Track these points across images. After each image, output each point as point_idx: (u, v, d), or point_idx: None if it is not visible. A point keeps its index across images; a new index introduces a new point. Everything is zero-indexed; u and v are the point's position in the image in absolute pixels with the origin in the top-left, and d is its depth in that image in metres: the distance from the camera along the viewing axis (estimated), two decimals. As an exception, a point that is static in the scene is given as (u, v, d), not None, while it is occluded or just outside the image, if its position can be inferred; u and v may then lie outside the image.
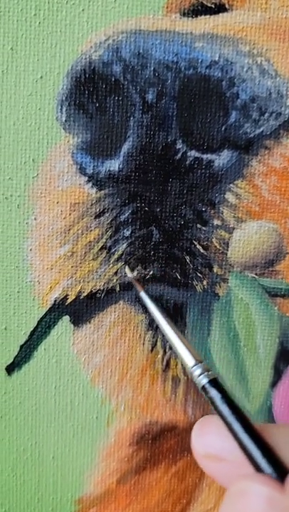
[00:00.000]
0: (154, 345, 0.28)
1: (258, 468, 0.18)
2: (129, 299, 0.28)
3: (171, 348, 0.28)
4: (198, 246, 0.27)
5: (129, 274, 0.27)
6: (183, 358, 0.22)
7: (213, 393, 0.20)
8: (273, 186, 0.26)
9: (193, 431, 0.20)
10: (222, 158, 0.26)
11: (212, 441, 0.19)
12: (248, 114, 0.25)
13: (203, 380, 0.21)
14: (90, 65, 0.25)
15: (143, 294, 0.26)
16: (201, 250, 0.27)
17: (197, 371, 0.21)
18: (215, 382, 0.21)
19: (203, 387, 0.21)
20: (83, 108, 0.25)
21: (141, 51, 0.25)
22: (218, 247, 0.27)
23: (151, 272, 0.27)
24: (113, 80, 0.25)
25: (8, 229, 0.27)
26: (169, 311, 0.28)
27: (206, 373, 0.21)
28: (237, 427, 0.19)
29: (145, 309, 0.28)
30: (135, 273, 0.27)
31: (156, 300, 0.26)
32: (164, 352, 0.28)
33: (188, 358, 0.22)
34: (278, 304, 0.27)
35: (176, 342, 0.23)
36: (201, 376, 0.21)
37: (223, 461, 0.19)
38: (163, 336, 0.28)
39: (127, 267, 0.27)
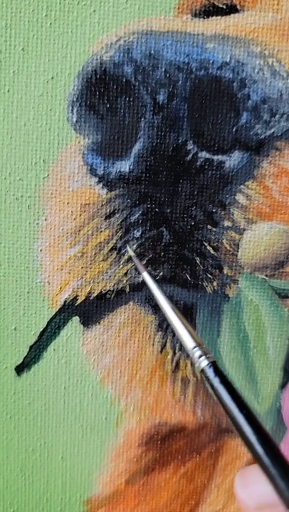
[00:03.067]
0: (163, 346, 0.28)
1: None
2: (139, 300, 0.28)
3: (181, 349, 0.28)
4: (208, 247, 0.27)
5: (131, 253, 0.26)
6: (183, 339, 0.22)
7: (212, 376, 0.21)
8: (284, 187, 0.26)
9: (235, 486, 0.19)
10: (233, 160, 0.26)
11: (261, 490, 0.18)
12: (259, 116, 0.25)
13: (203, 363, 0.21)
14: (101, 66, 0.25)
15: (146, 275, 0.25)
16: (212, 251, 0.27)
17: (197, 353, 0.22)
18: (214, 366, 0.21)
19: (203, 370, 0.21)
20: (94, 109, 0.25)
21: (152, 52, 0.25)
22: (228, 248, 0.27)
23: (161, 273, 0.27)
24: (124, 80, 0.25)
25: (18, 229, 0.27)
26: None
27: (205, 356, 0.21)
28: (234, 409, 0.19)
29: (155, 310, 0.28)
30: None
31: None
32: (174, 353, 0.28)
33: (188, 340, 0.22)
34: (288, 306, 0.27)
35: (177, 324, 0.23)
36: (201, 358, 0.21)
37: (278, 507, 0.18)
38: (173, 336, 0.28)
39: (128, 245, 0.27)
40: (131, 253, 0.26)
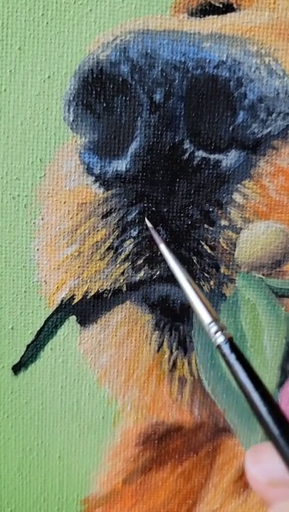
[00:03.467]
0: (160, 346, 0.28)
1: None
2: (136, 299, 0.28)
3: (178, 348, 0.28)
4: (205, 246, 0.27)
5: (149, 224, 0.26)
6: (200, 314, 0.22)
7: (228, 352, 0.20)
8: (281, 186, 0.26)
9: (247, 462, 0.19)
10: (229, 159, 0.26)
11: (274, 467, 0.18)
12: (255, 114, 0.25)
13: (220, 339, 0.21)
14: (98, 65, 0.25)
15: (163, 247, 0.25)
16: (208, 251, 0.27)
17: (213, 328, 0.21)
18: (231, 342, 0.21)
19: (219, 346, 0.21)
20: (91, 108, 0.25)
21: (148, 51, 0.25)
22: (225, 247, 0.27)
23: (158, 272, 0.27)
24: (121, 79, 0.25)
25: (15, 229, 0.27)
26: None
27: (222, 332, 0.21)
28: (250, 387, 0.19)
29: (152, 309, 0.28)
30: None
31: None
32: (171, 352, 0.28)
33: (205, 315, 0.22)
34: (285, 305, 0.27)
35: (194, 298, 0.23)
36: (218, 334, 0.21)
37: None
38: (170, 335, 0.28)
39: (146, 219, 0.26)
40: (149, 225, 0.26)
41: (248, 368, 0.20)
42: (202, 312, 0.22)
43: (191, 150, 0.25)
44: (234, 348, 0.20)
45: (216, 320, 0.21)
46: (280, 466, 0.18)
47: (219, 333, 0.21)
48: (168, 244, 0.27)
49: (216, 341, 0.21)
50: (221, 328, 0.21)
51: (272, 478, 0.18)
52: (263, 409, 0.18)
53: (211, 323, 0.21)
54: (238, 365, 0.20)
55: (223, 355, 0.20)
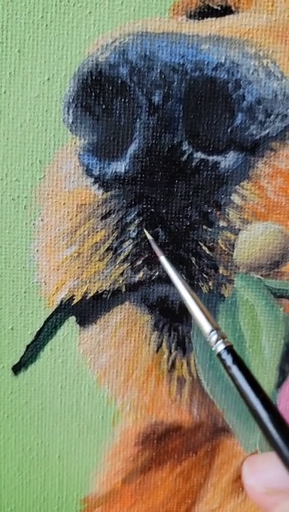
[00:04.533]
0: (159, 346, 0.28)
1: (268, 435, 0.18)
2: (135, 300, 0.28)
3: (177, 348, 0.28)
4: (203, 247, 0.27)
5: (149, 236, 0.26)
6: (201, 324, 0.23)
7: (229, 360, 0.21)
8: (279, 188, 0.26)
9: (244, 473, 0.19)
10: (228, 160, 0.26)
11: (271, 476, 0.18)
12: (254, 116, 0.25)
13: (220, 347, 0.21)
14: (97, 67, 0.25)
15: (163, 259, 0.25)
16: (207, 251, 0.27)
17: (214, 337, 0.22)
18: (231, 350, 0.21)
19: (219, 354, 0.21)
20: (90, 110, 0.26)
21: (147, 53, 0.25)
22: (223, 248, 0.27)
23: (156, 273, 0.27)
24: (119, 82, 0.25)
25: (15, 230, 0.27)
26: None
27: (222, 340, 0.21)
28: (251, 394, 0.19)
29: (151, 310, 0.28)
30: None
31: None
32: (170, 352, 0.28)
33: (205, 325, 0.22)
34: (284, 305, 0.28)
35: (194, 308, 0.23)
36: (218, 342, 0.21)
37: (287, 494, 0.18)
38: (169, 336, 0.28)
39: (145, 229, 0.27)
40: (149, 237, 0.26)
41: (249, 375, 0.20)
42: (203, 321, 0.23)
43: (189, 151, 0.26)
44: (234, 356, 0.21)
45: (216, 329, 0.22)
46: (276, 474, 0.18)
47: (220, 341, 0.21)
48: (167, 246, 0.27)
49: (217, 349, 0.21)
50: (222, 337, 0.22)
51: (268, 487, 0.18)
52: (264, 416, 0.19)
53: (211, 331, 0.22)
54: (238, 372, 0.20)
55: (224, 364, 0.21)
